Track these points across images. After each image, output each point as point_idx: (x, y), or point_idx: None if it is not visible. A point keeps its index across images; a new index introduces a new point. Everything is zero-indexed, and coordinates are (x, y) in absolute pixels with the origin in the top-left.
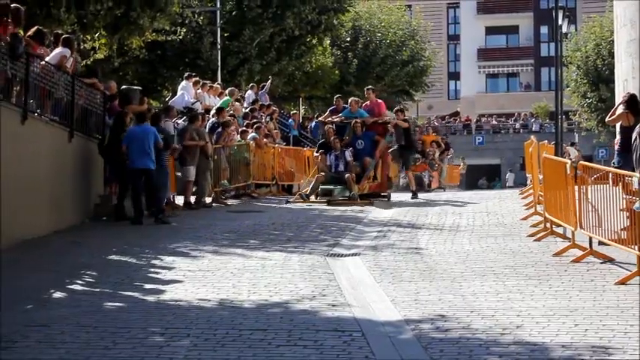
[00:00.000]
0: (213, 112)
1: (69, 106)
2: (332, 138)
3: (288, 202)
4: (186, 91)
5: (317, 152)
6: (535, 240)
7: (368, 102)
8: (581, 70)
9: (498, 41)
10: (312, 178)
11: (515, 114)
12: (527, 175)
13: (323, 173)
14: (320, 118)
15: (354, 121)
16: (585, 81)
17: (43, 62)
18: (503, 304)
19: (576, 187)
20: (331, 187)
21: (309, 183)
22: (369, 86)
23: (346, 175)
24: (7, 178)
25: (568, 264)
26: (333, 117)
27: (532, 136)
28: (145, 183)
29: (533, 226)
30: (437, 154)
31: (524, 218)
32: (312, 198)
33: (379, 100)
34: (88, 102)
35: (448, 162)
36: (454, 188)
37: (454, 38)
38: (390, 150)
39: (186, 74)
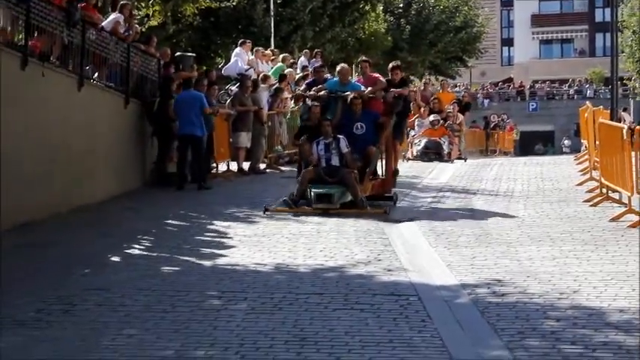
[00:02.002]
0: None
1: (124, 73)
2: (321, 121)
3: (266, 211)
4: (239, 58)
5: (298, 139)
6: (591, 205)
7: (361, 77)
8: (637, 35)
9: (552, 7)
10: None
11: (570, 80)
12: (582, 140)
13: (311, 168)
14: (298, 91)
15: (350, 95)
16: None
17: (99, 29)
18: (560, 268)
19: (633, 153)
20: (326, 189)
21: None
22: (364, 57)
23: (345, 171)
24: (65, 145)
25: (625, 229)
26: (314, 90)
27: (587, 102)
28: (192, 149)
29: (589, 191)
30: (459, 118)
31: (580, 184)
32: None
33: (377, 75)
34: (144, 68)
35: (502, 128)
36: (508, 154)
37: (507, 4)
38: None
39: (240, 41)
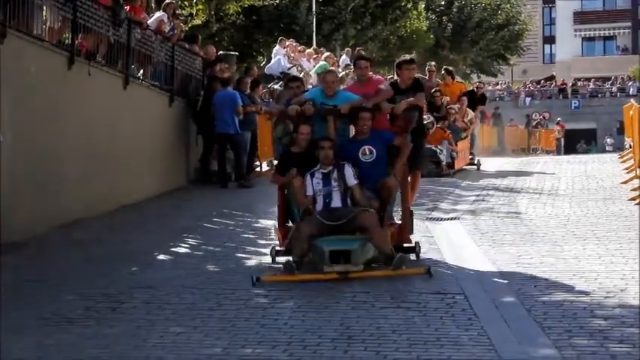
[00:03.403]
0: (313, 77)
1: (169, 71)
2: (318, 142)
3: (258, 281)
4: (281, 56)
5: (280, 172)
6: (636, 204)
7: (353, 82)
8: None
9: (595, 4)
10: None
11: (612, 77)
12: (627, 138)
13: (310, 219)
14: (271, 110)
15: (345, 107)
16: None
17: (144, 28)
18: (606, 267)
19: None
20: (341, 242)
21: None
22: (361, 51)
23: (358, 211)
24: (110, 143)
25: None
26: (294, 102)
27: (631, 100)
28: (231, 148)
29: (634, 189)
30: (469, 114)
31: (625, 182)
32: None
33: (379, 78)
34: (188, 67)
35: (544, 126)
36: (550, 153)
37: (549, 1)
38: None
39: (279, 39)
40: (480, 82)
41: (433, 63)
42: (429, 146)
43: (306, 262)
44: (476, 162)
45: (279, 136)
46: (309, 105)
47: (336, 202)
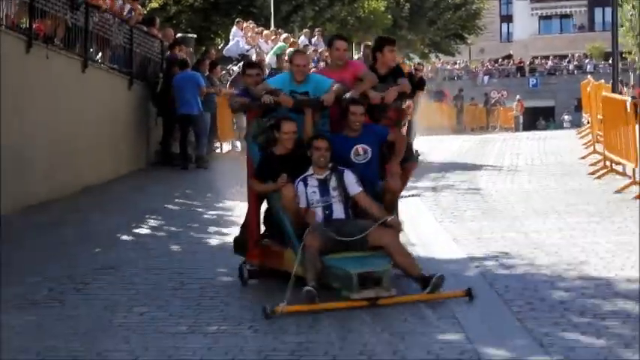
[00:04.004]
0: (269, 58)
1: (128, 54)
2: (312, 141)
3: (272, 313)
4: (239, 38)
5: (260, 176)
6: (595, 178)
7: (323, 64)
8: (636, 9)
9: None
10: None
11: (569, 55)
12: (584, 114)
13: (314, 231)
14: (235, 103)
15: (328, 97)
16: None
17: (102, 11)
18: (567, 241)
19: (637, 125)
20: (367, 263)
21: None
22: (338, 36)
23: (380, 233)
24: (70, 126)
25: (629, 201)
26: (265, 93)
27: (589, 76)
28: (193, 129)
29: (593, 164)
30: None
31: (583, 157)
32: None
33: (357, 62)
34: (146, 50)
35: (502, 104)
36: (508, 130)
37: None
38: None
39: (236, 20)
40: (418, 64)
41: (369, 43)
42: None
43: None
44: (414, 153)
45: (253, 135)
46: (285, 95)
47: (338, 213)
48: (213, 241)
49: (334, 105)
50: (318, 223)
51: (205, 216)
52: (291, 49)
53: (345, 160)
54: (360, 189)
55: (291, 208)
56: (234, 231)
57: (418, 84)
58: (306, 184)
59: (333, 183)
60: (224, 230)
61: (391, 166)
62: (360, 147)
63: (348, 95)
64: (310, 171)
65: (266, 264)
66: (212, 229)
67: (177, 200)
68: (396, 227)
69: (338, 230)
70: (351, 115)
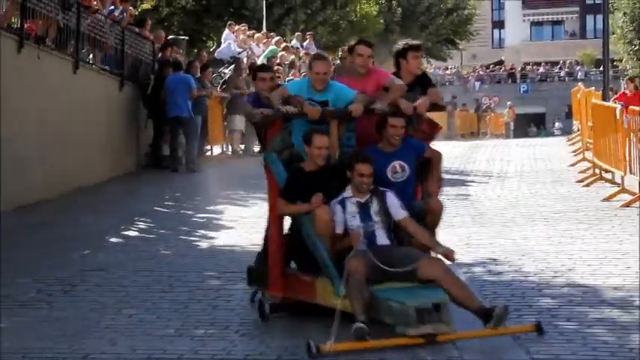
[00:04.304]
0: (260, 61)
1: (119, 56)
2: (352, 159)
3: (317, 352)
4: (231, 41)
5: (287, 196)
6: (584, 186)
7: (342, 74)
8: (628, 16)
9: None
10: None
11: (560, 62)
12: (574, 122)
13: (359, 257)
14: (255, 114)
15: (358, 108)
16: (632, 28)
17: (94, 12)
18: (555, 247)
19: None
20: (425, 295)
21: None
22: (362, 41)
23: (428, 266)
24: (61, 127)
25: (618, 209)
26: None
27: (579, 83)
28: (183, 132)
29: (582, 172)
30: None
31: (573, 164)
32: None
33: (382, 71)
34: (138, 51)
35: (493, 110)
36: (499, 137)
37: None
38: None
39: (228, 23)
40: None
41: (346, 48)
42: None
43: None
44: None
45: (277, 150)
46: (312, 105)
47: (382, 239)
48: (203, 244)
49: (361, 117)
50: (363, 249)
51: (195, 219)
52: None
53: (380, 178)
54: (406, 213)
55: (327, 232)
56: (224, 234)
57: None
58: (344, 208)
59: (375, 207)
60: (213, 234)
61: (429, 185)
62: (397, 164)
63: (377, 106)
64: (348, 192)
65: (292, 296)
66: (201, 232)
67: (167, 203)
68: (450, 258)
69: (384, 259)
70: (391, 128)
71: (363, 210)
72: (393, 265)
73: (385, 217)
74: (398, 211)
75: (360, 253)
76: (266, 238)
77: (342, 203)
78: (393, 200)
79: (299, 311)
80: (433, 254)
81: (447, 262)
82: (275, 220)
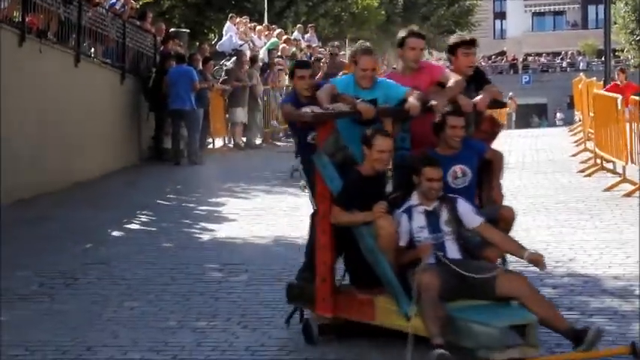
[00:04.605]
0: (262, 53)
1: (121, 49)
2: (417, 162)
3: None
4: (232, 34)
5: (343, 202)
6: (585, 176)
7: (388, 70)
8: (629, 6)
9: None
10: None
11: (562, 53)
12: (576, 112)
13: (432, 270)
14: (303, 117)
15: (433, 104)
16: (633, 17)
17: (95, 5)
18: (556, 237)
19: (627, 123)
20: (508, 313)
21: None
22: (414, 29)
23: (508, 280)
24: (62, 121)
25: (619, 198)
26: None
27: (581, 74)
28: (185, 124)
29: (583, 162)
30: None
31: (574, 155)
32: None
33: (437, 65)
34: (139, 44)
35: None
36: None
37: None
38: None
39: (230, 16)
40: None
41: (337, 43)
42: None
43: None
44: None
45: (330, 152)
46: (364, 102)
47: (453, 253)
48: (204, 236)
49: (416, 116)
50: (433, 263)
51: (196, 211)
52: (359, 50)
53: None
54: (482, 218)
55: (391, 245)
56: (225, 227)
57: None
58: (410, 217)
59: (444, 216)
60: (215, 226)
61: (493, 190)
62: (458, 168)
63: (436, 102)
64: (414, 200)
65: (345, 316)
66: (203, 224)
67: (168, 196)
68: (539, 264)
69: (457, 274)
70: (451, 129)
71: (432, 219)
72: (468, 280)
73: (456, 228)
74: (473, 217)
75: (431, 266)
76: (310, 250)
77: (409, 212)
78: (465, 207)
79: (351, 332)
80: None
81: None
82: (325, 229)
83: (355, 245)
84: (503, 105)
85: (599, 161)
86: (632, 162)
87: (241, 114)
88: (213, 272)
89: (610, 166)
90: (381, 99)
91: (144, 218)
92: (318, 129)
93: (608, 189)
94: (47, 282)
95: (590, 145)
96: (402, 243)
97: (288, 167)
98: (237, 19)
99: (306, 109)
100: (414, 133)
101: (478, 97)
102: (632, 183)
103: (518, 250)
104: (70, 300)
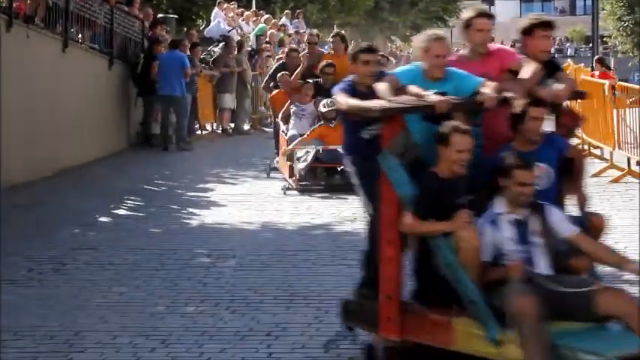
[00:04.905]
0: (251, 39)
1: (108, 34)
2: (510, 166)
3: None
4: (220, 19)
5: (422, 209)
6: None
7: (460, 54)
8: None
9: None
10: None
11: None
12: None
13: (527, 293)
14: (373, 110)
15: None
16: (621, 4)
17: None
18: None
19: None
20: (620, 340)
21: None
22: (482, 12)
23: (609, 296)
24: (50, 106)
25: (606, 184)
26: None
27: (569, 60)
28: (174, 110)
29: None
30: None
31: None
32: None
33: (508, 50)
34: (127, 30)
35: None
36: None
37: None
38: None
39: (218, 1)
40: (382, 56)
41: (315, 31)
42: (333, 147)
43: None
44: None
45: (400, 152)
46: (437, 95)
47: (543, 267)
48: (193, 222)
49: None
50: (526, 280)
51: (185, 197)
52: (430, 36)
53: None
54: (578, 228)
55: (475, 259)
56: (214, 213)
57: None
58: (496, 227)
59: (533, 225)
60: (203, 212)
61: (577, 193)
62: (540, 167)
63: (510, 94)
64: (500, 207)
65: (415, 340)
66: (191, 210)
67: (157, 181)
68: None
69: (552, 292)
70: (532, 121)
71: (520, 230)
72: (565, 297)
73: (547, 239)
74: (567, 226)
75: (527, 288)
76: (369, 262)
77: (494, 221)
78: (557, 215)
79: (421, 358)
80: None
81: None
82: (392, 239)
83: (427, 256)
84: (583, 96)
85: (586, 147)
86: (620, 148)
87: (229, 100)
88: (202, 257)
89: (598, 152)
90: (451, 92)
91: (132, 204)
92: (385, 125)
93: (596, 175)
94: (36, 267)
95: (577, 131)
96: (487, 257)
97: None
98: (225, 5)
99: (373, 103)
100: (485, 128)
101: (556, 87)
102: (620, 169)
103: (623, 262)
104: (58, 285)
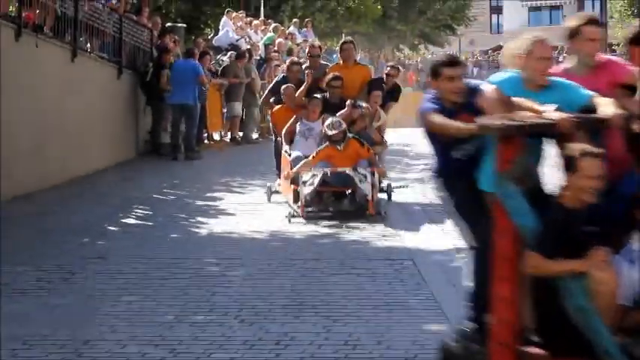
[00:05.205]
0: (260, 48)
1: (117, 43)
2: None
3: None
4: (229, 28)
5: (546, 248)
6: None
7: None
8: (626, 0)
9: None
10: None
11: (559, 47)
12: None
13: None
14: (491, 128)
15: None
16: (630, 12)
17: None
18: None
19: None
20: None
21: None
22: (591, 18)
23: None
24: (59, 116)
25: None
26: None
27: None
28: (185, 119)
29: None
30: (381, 117)
31: None
32: None
33: (608, 57)
34: (136, 39)
35: None
36: None
37: None
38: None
39: (226, 10)
40: (392, 67)
41: (317, 43)
42: (341, 169)
43: None
44: (385, 187)
45: (516, 178)
46: (559, 112)
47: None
48: (202, 231)
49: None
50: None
51: (194, 206)
52: (532, 38)
53: (603, 211)
54: None
55: (612, 304)
56: (222, 221)
57: (392, 93)
58: (634, 267)
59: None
60: (212, 221)
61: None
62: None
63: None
64: (636, 241)
65: None
66: (200, 219)
67: (165, 190)
68: None
69: None
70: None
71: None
72: None
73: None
74: None
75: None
76: (477, 299)
77: (633, 260)
78: None
79: None
80: None
81: None
82: (508, 276)
83: (551, 297)
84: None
85: None
86: None
87: (238, 108)
88: (211, 266)
89: None
90: (557, 104)
91: (141, 213)
92: (501, 146)
93: None
94: (45, 276)
95: None
96: (626, 301)
97: None
98: (234, 14)
99: (493, 120)
100: (609, 150)
101: None
102: None
103: None
104: (67, 294)
